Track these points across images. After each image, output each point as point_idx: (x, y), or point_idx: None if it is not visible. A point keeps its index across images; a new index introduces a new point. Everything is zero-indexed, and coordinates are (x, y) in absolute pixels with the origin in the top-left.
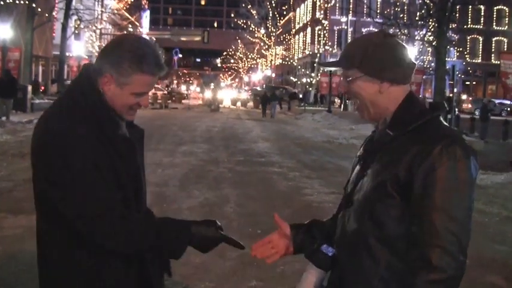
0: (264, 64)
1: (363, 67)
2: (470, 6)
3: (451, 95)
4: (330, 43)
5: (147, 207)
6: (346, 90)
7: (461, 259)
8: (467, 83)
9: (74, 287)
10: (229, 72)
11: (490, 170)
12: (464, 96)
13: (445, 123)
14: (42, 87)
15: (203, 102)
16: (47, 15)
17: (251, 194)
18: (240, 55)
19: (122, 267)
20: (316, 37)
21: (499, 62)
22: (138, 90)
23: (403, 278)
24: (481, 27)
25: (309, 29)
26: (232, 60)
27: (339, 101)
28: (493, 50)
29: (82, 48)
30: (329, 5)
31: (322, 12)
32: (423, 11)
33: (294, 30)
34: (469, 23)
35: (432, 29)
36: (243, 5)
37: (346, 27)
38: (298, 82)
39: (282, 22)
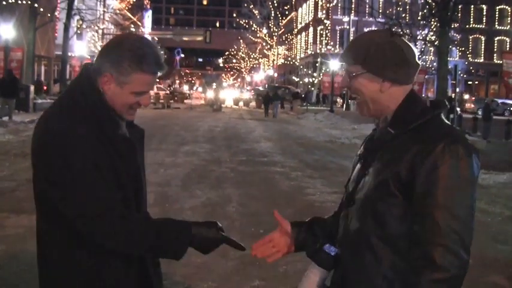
0: (266, 64)
1: (366, 64)
2: (472, 6)
3: (453, 94)
4: (332, 43)
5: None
6: (348, 85)
7: (465, 258)
8: (470, 82)
9: (74, 287)
10: (232, 72)
11: (493, 169)
12: (466, 96)
13: (446, 121)
14: (45, 87)
15: (205, 102)
16: (49, 15)
17: (253, 194)
18: (242, 55)
19: (121, 267)
20: (318, 37)
21: (501, 62)
22: (138, 90)
23: (406, 277)
24: (483, 26)
25: (311, 29)
26: (234, 60)
27: (341, 100)
28: (495, 49)
29: (84, 48)
30: (331, 4)
31: (324, 11)
32: (425, 11)
33: (296, 30)
34: (471, 22)
35: (434, 29)
36: (245, 4)
37: (348, 27)
38: (300, 82)
39: (284, 22)
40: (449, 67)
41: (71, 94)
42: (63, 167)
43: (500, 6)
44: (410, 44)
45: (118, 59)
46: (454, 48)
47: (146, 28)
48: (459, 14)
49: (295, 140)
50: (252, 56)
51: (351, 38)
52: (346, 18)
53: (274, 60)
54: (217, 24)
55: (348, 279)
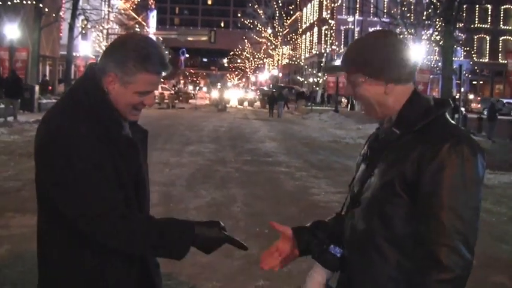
0: (270, 64)
1: (366, 70)
2: (477, 6)
3: (457, 94)
4: (336, 43)
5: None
6: (352, 94)
7: (469, 258)
8: (474, 82)
9: (76, 287)
10: (236, 72)
11: (498, 169)
12: (471, 96)
13: (451, 120)
14: (49, 87)
15: (210, 102)
16: (54, 15)
17: (258, 194)
18: (247, 55)
19: (123, 267)
20: (323, 37)
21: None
22: (142, 89)
23: (411, 277)
24: (488, 26)
25: (315, 29)
26: (239, 60)
27: (346, 100)
28: (500, 49)
29: (89, 48)
30: (336, 4)
31: (328, 11)
32: (430, 11)
33: (300, 30)
34: (476, 22)
35: (439, 29)
36: (250, 4)
37: (352, 27)
38: (305, 82)
39: (288, 22)
40: (454, 67)
41: (74, 94)
42: (66, 166)
43: (505, 6)
44: (405, 41)
45: (122, 58)
46: (458, 48)
47: (151, 28)
48: (464, 14)
49: (299, 140)
50: (256, 56)
51: (356, 37)
52: (350, 18)
53: (278, 60)
54: (222, 24)
55: (354, 279)
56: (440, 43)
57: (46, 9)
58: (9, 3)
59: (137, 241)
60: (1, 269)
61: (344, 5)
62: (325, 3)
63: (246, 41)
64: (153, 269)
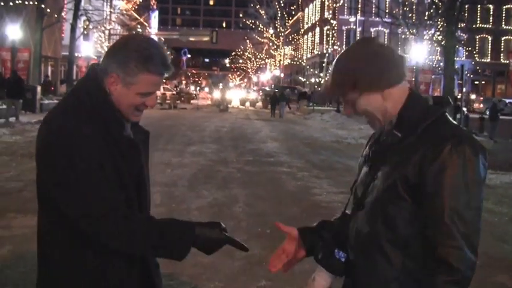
0: (272, 64)
1: (360, 87)
2: (479, 6)
3: (459, 94)
4: (338, 43)
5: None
6: (353, 112)
7: (474, 259)
8: (476, 82)
9: (78, 287)
10: (238, 73)
11: (499, 169)
12: (473, 96)
13: (451, 120)
14: (52, 88)
15: (212, 102)
16: (56, 15)
17: (260, 194)
18: (249, 55)
19: (124, 267)
20: (324, 37)
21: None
22: (144, 90)
23: (418, 280)
24: (490, 26)
25: (317, 29)
26: (240, 61)
27: None
28: (502, 49)
29: (91, 48)
30: (337, 4)
31: (330, 12)
32: (432, 11)
33: (302, 30)
34: (478, 22)
35: (441, 29)
36: (252, 5)
37: (354, 27)
38: (307, 82)
39: (290, 22)
40: (456, 67)
41: (77, 94)
42: (68, 167)
43: (507, 6)
44: (383, 42)
45: (124, 59)
46: (460, 48)
47: (153, 29)
48: (466, 14)
49: (301, 140)
50: (258, 56)
51: (358, 38)
52: (352, 18)
53: (280, 60)
54: (224, 25)
55: (360, 282)
56: (442, 43)
57: (48, 10)
58: (11, 3)
59: (138, 241)
60: (3, 270)
61: (346, 5)
62: (327, 3)
63: (247, 41)
64: (154, 269)
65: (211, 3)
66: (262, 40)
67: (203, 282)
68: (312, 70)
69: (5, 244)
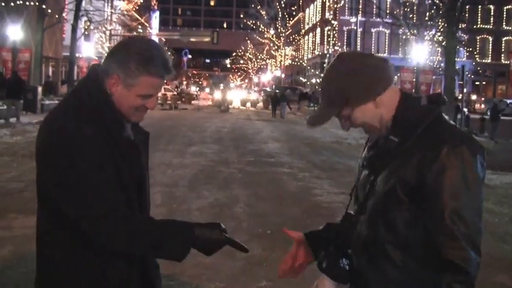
0: (273, 65)
1: (351, 103)
2: (479, 6)
3: (460, 95)
4: (339, 43)
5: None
6: (350, 126)
7: (478, 259)
8: (477, 83)
9: (79, 287)
10: (239, 73)
11: (500, 170)
12: (474, 97)
13: (447, 119)
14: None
15: (213, 103)
16: (57, 16)
17: (261, 195)
18: (250, 56)
19: (124, 267)
20: (325, 37)
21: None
22: (144, 92)
23: (422, 281)
24: (491, 27)
25: (318, 30)
26: (241, 61)
27: None
28: (502, 49)
29: (92, 49)
30: (338, 5)
31: (331, 12)
32: (432, 11)
33: (303, 31)
34: (479, 23)
35: (442, 29)
36: (253, 5)
37: (355, 28)
38: (308, 83)
39: (291, 23)
40: (457, 67)
41: (77, 94)
42: (68, 167)
43: (507, 7)
44: (361, 53)
45: (125, 61)
46: (461, 48)
47: (153, 29)
48: (466, 15)
49: (302, 140)
50: (259, 57)
51: (359, 38)
52: (353, 19)
53: (281, 61)
54: (225, 25)
55: (365, 286)
56: (443, 44)
57: (49, 11)
58: (12, 4)
59: (138, 241)
60: (4, 270)
61: (347, 5)
62: (327, 4)
63: (248, 41)
64: (153, 270)
65: (212, 3)
66: (263, 41)
67: (204, 283)
68: (312, 71)
69: (6, 245)
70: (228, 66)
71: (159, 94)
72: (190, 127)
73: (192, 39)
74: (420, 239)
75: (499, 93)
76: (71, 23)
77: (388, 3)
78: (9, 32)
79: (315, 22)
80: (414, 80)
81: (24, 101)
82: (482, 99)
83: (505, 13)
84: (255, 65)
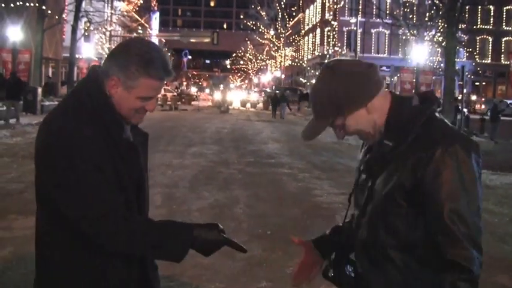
0: (273, 65)
1: (343, 111)
2: (479, 7)
3: (460, 96)
4: (339, 44)
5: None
6: (345, 134)
7: (480, 257)
8: (477, 83)
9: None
10: (239, 74)
11: (500, 170)
12: (474, 97)
13: (440, 118)
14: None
15: (213, 103)
16: (57, 17)
17: (261, 195)
18: (250, 56)
19: (124, 268)
20: (325, 38)
21: (508, 62)
22: (144, 94)
23: (425, 281)
24: (491, 27)
25: (318, 30)
26: (241, 62)
27: None
28: (502, 50)
29: (92, 50)
30: (338, 6)
31: (331, 13)
32: (432, 12)
33: (303, 32)
34: (479, 23)
35: (441, 30)
36: (252, 6)
37: (355, 28)
38: (308, 83)
39: (291, 23)
40: (457, 68)
41: (77, 95)
42: (68, 168)
43: (507, 7)
44: (346, 61)
45: (125, 63)
46: (461, 49)
47: (153, 30)
48: (466, 15)
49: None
50: (259, 58)
51: (358, 39)
52: (353, 20)
53: (281, 61)
54: (225, 26)
55: None
56: (443, 44)
57: (49, 12)
58: (12, 5)
59: (137, 242)
60: (4, 271)
61: (346, 6)
62: (327, 4)
63: (248, 42)
64: (152, 270)
65: (212, 4)
66: (263, 41)
67: (204, 283)
68: (312, 71)
69: (6, 246)
70: (228, 67)
71: (159, 95)
72: (190, 128)
73: (192, 40)
74: (421, 240)
75: (498, 94)
76: (71, 24)
77: (388, 3)
78: (9, 33)
79: (314, 23)
80: (414, 80)
81: (24, 102)
82: (483, 99)
83: (504, 13)
84: (255, 66)
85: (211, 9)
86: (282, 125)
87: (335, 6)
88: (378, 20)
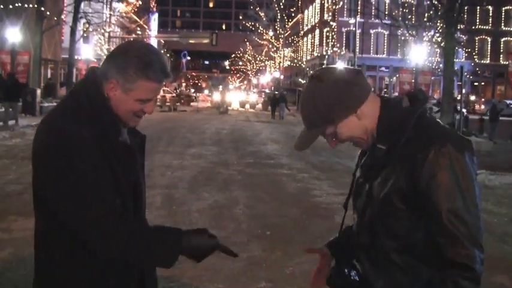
0: (272, 66)
1: (333, 120)
2: (478, 7)
3: (459, 96)
4: (338, 45)
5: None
6: (337, 142)
7: (481, 255)
8: (476, 84)
9: (80, 287)
10: (238, 75)
11: (499, 170)
12: (473, 97)
13: (430, 117)
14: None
15: (212, 104)
16: (55, 18)
17: (260, 196)
18: (249, 57)
19: (124, 268)
20: (324, 39)
21: (507, 63)
22: (143, 97)
23: (426, 281)
24: (489, 27)
25: (317, 31)
26: (240, 63)
27: None
28: (501, 50)
29: (91, 51)
30: (337, 6)
31: (330, 13)
32: (431, 12)
33: (302, 32)
34: (477, 23)
35: (440, 30)
36: (251, 7)
37: (354, 29)
38: None
39: (290, 24)
40: (456, 68)
41: (76, 96)
42: (67, 168)
43: (506, 7)
44: (332, 69)
45: (124, 65)
46: (460, 49)
47: (152, 31)
48: (465, 15)
49: None
50: (258, 59)
51: (357, 39)
52: (352, 20)
53: (280, 62)
54: (224, 27)
55: None
56: (442, 44)
57: (48, 13)
58: (10, 6)
59: (131, 246)
60: (4, 272)
61: (345, 7)
62: (326, 5)
63: (247, 43)
64: (151, 271)
65: (211, 5)
66: (262, 42)
67: (204, 284)
68: (311, 72)
69: (6, 247)
70: (227, 67)
71: (158, 96)
72: (190, 129)
73: (191, 41)
74: (421, 241)
75: (497, 94)
76: (70, 25)
77: (386, 4)
78: (8, 34)
79: (313, 23)
80: (413, 81)
81: (23, 104)
82: (482, 100)
83: (503, 14)
84: (254, 67)
85: (210, 10)
86: (281, 125)
87: (334, 7)
88: (377, 20)
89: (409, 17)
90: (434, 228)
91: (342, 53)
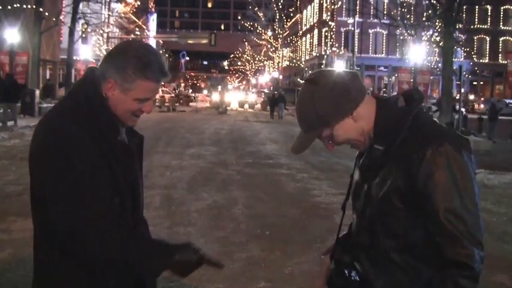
0: (271, 66)
1: (329, 122)
2: (477, 6)
3: (458, 95)
4: (336, 44)
5: (143, 217)
6: (335, 144)
7: (481, 253)
8: (475, 83)
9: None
10: (237, 75)
11: (498, 169)
12: (471, 97)
13: (427, 117)
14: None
15: (211, 104)
16: (54, 19)
17: (259, 196)
18: (247, 57)
19: (123, 268)
20: (323, 39)
21: (506, 62)
22: (141, 96)
23: (426, 280)
24: (488, 27)
25: (315, 31)
26: (239, 63)
27: None
28: (500, 49)
29: (89, 52)
30: (336, 6)
31: (328, 13)
32: (430, 12)
33: (300, 32)
34: (476, 23)
35: (439, 30)
36: (250, 7)
37: (353, 29)
38: None
39: (288, 24)
40: (454, 68)
41: (74, 97)
42: (66, 168)
43: (504, 7)
44: (327, 72)
45: (123, 65)
46: (458, 48)
47: (151, 31)
48: (464, 15)
49: None
50: (257, 59)
51: (356, 39)
52: (350, 20)
53: (279, 62)
54: (222, 27)
55: None
56: (441, 44)
57: (46, 14)
58: (9, 7)
59: (118, 249)
60: (3, 273)
61: (344, 6)
62: (325, 5)
63: (246, 43)
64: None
65: (209, 5)
66: (261, 42)
67: (203, 284)
68: (310, 72)
69: (5, 248)
70: (226, 68)
71: (157, 96)
72: (189, 129)
73: (190, 41)
74: (420, 240)
75: (496, 93)
76: (69, 25)
77: (385, 4)
78: (6, 35)
79: (312, 23)
80: (412, 80)
81: (22, 104)
82: (482, 99)
83: (502, 13)
84: (253, 67)
85: (208, 11)
86: (280, 125)
87: (332, 7)
88: (376, 20)
89: (408, 16)
90: (433, 228)
91: (341, 52)
